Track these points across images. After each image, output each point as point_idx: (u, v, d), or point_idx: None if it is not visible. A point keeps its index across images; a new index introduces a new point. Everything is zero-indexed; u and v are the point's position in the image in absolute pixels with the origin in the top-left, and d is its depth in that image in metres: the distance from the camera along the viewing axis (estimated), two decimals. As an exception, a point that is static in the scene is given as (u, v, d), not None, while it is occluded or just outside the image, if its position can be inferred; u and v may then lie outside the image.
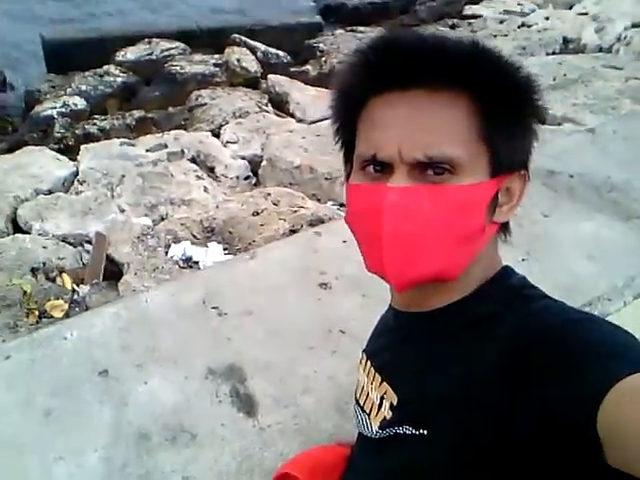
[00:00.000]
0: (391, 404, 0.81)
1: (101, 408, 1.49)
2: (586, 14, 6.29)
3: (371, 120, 0.73)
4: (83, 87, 5.28)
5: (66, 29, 6.24)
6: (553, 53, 5.52)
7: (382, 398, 0.84)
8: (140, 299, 1.84)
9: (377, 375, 0.87)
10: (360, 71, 0.73)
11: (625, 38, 5.47)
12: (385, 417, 0.82)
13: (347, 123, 0.79)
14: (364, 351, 0.96)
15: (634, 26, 5.66)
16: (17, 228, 3.37)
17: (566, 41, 5.75)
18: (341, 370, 1.59)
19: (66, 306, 2.76)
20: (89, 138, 4.46)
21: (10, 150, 4.38)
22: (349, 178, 0.80)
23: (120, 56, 5.76)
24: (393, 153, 0.69)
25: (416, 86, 0.68)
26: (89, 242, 3.22)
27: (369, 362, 0.91)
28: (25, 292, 2.74)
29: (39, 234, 3.25)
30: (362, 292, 1.82)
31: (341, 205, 3.35)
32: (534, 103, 0.72)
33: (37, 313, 2.68)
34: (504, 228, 0.79)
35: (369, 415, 0.87)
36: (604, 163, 2.32)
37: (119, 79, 5.45)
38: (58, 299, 2.80)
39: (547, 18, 6.36)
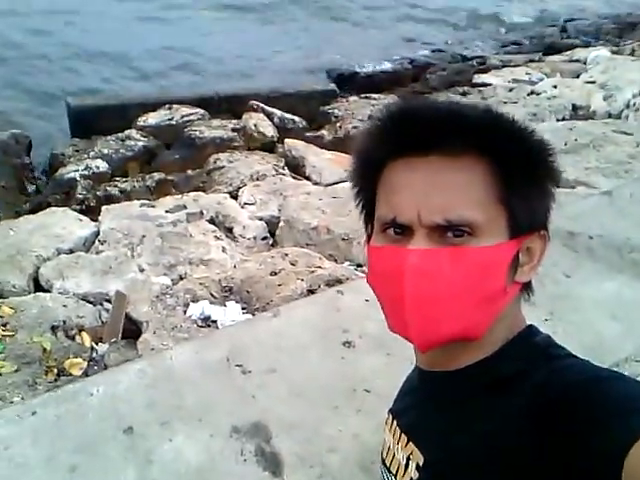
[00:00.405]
0: (417, 464, 0.81)
1: (126, 465, 1.48)
2: (594, 82, 6.46)
3: (390, 184, 0.75)
4: (105, 151, 5.43)
5: (90, 96, 6.47)
6: (563, 119, 5.65)
7: (408, 458, 0.84)
8: (165, 356, 1.85)
9: (403, 435, 0.87)
10: (379, 137, 0.76)
11: (634, 105, 5.59)
12: (412, 478, 0.82)
13: (367, 187, 0.82)
14: (390, 411, 0.96)
15: (642, 93, 5.80)
16: (38, 286, 3.42)
17: (575, 108, 5.89)
18: (366, 429, 1.58)
19: (85, 364, 2.77)
20: (110, 199, 4.56)
21: (33, 211, 4.48)
22: (370, 240, 0.82)
23: (142, 121, 5.94)
24: (412, 217, 0.71)
25: (433, 151, 0.71)
26: (109, 301, 3.25)
27: (395, 422, 0.91)
28: (45, 350, 2.75)
29: (60, 292, 3.29)
30: (386, 351, 1.82)
31: (358, 265, 3.38)
32: (549, 165, 0.74)
33: (56, 371, 2.68)
34: (527, 287, 0.80)
35: (395, 476, 0.87)
36: (623, 225, 2.34)
37: (140, 143, 5.61)
38: (77, 357, 2.80)
39: (555, 86, 6.53)
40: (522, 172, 0.71)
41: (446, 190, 0.70)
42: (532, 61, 7.82)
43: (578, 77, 6.98)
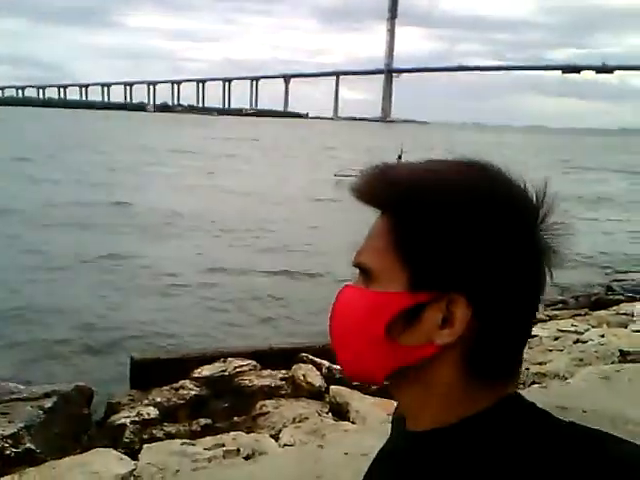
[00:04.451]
0: None
1: None
2: (642, 332, 6.48)
3: None
4: (158, 399, 5.67)
5: (153, 351, 6.96)
6: (612, 363, 5.59)
7: None
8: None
9: None
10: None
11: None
12: None
13: None
14: None
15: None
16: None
17: (623, 353, 5.85)
18: None
19: None
20: (154, 441, 4.65)
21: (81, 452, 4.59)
22: None
23: (197, 373, 6.26)
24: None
25: (373, 207, 0.79)
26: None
27: None
28: None
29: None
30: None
31: None
32: (462, 227, 0.71)
33: None
34: (477, 360, 0.74)
35: None
36: (618, 402, 2.27)
37: (192, 392, 5.84)
38: None
39: (602, 335, 6.57)
40: (420, 230, 0.73)
41: (367, 238, 0.79)
42: (578, 315, 7.99)
43: (626, 327, 7.02)
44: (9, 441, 4.72)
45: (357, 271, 0.80)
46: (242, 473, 3.70)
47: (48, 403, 5.48)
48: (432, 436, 0.76)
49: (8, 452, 4.64)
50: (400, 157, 27.14)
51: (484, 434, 0.72)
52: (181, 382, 6.05)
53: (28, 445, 4.79)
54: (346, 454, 3.73)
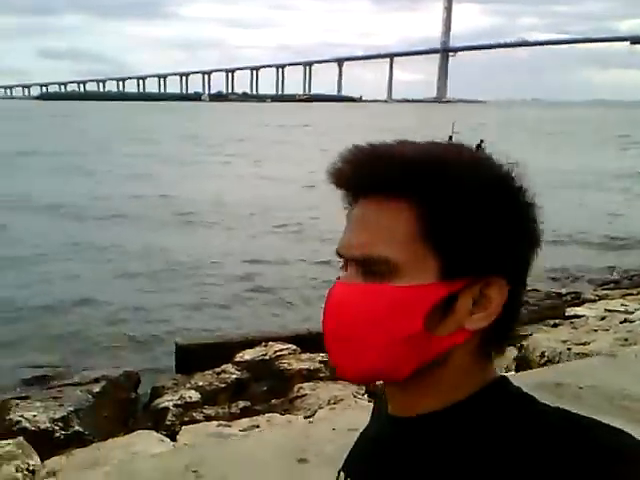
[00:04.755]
0: None
1: None
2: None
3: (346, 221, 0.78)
4: (200, 383, 5.84)
5: (197, 336, 7.16)
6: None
7: None
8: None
9: None
10: (335, 183, 0.77)
11: None
12: None
13: None
14: (343, 469, 0.87)
15: None
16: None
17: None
18: None
19: None
20: (193, 422, 4.80)
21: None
22: None
23: (238, 357, 6.40)
24: (342, 250, 0.74)
25: (370, 192, 0.73)
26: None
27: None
28: None
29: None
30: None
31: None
32: (491, 208, 0.70)
33: None
34: (491, 340, 0.74)
35: None
36: (621, 379, 2.20)
37: (233, 376, 5.98)
38: None
39: (653, 314, 6.33)
40: (450, 215, 0.69)
41: (370, 228, 0.71)
42: (630, 295, 7.71)
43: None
44: (59, 424, 4.97)
45: (344, 264, 0.74)
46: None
47: (97, 388, 5.74)
48: (420, 422, 0.75)
49: (58, 435, 4.89)
50: (451, 137, 26.76)
51: (469, 422, 0.71)
52: (223, 366, 6.20)
53: (77, 428, 5.04)
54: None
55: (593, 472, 0.62)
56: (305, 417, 4.60)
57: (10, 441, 4.39)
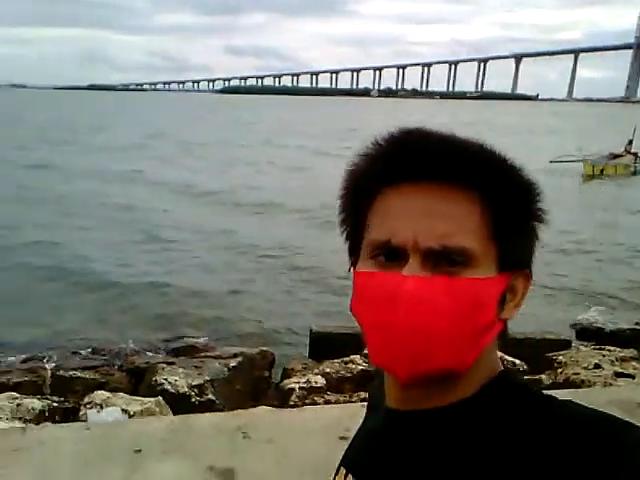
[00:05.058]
0: None
1: None
2: None
3: (385, 210, 0.73)
4: (327, 370, 6.02)
5: (331, 325, 7.37)
6: None
7: None
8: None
9: None
10: (375, 163, 0.75)
11: None
12: None
13: (357, 214, 0.78)
14: (343, 465, 0.86)
15: None
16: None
17: None
18: None
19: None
20: (313, 404, 4.99)
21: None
22: (355, 268, 0.79)
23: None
24: (408, 240, 0.70)
25: (432, 180, 0.71)
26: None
27: (351, 476, 0.83)
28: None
29: None
30: None
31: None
32: (536, 205, 0.75)
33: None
34: (505, 331, 0.77)
35: None
36: None
37: (360, 367, 6.09)
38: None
39: None
40: (511, 209, 0.72)
41: (445, 218, 0.70)
42: None
43: None
44: (195, 390, 5.42)
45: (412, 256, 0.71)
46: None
47: (234, 362, 6.15)
48: (431, 416, 0.75)
49: (193, 400, 5.34)
50: (631, 142, 24.51)
51: (483, 414, 0.72)
52: (352, 356, 6.33)
53: (210, 396, 5.45)
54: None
55: (607, 464, 0.62)
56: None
57: (152, 399, 4.89)
